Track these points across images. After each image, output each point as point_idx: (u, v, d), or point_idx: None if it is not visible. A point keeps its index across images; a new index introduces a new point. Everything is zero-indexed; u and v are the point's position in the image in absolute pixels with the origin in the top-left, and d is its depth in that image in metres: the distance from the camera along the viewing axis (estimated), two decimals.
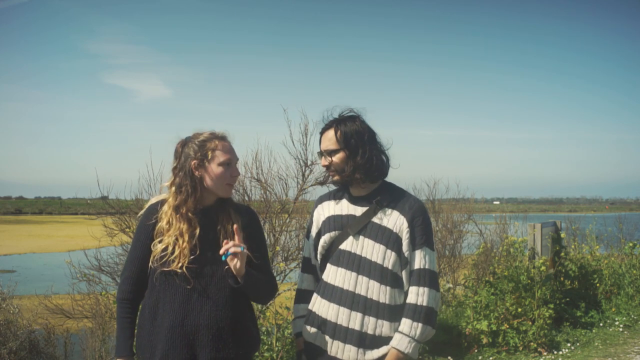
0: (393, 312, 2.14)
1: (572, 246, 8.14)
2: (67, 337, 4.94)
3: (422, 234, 2.16)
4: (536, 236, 6.64)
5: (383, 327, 2.13)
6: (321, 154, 2.25)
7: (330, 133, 2.21)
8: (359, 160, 2.17)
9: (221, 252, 1.98)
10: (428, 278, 2.14)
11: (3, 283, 5.37)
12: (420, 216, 2.18)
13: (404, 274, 2.16)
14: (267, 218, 5.25)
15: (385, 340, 2.13)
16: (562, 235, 7.46)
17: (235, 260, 1.99)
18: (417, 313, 2.11)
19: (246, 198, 5.39)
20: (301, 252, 4.31)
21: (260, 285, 2.14)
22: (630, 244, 7.86)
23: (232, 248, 1.97)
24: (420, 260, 2.15)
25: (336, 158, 2.20)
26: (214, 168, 2.10)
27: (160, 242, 2.07)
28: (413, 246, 2.15)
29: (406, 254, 2.15)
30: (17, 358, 4.38)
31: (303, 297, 2.34)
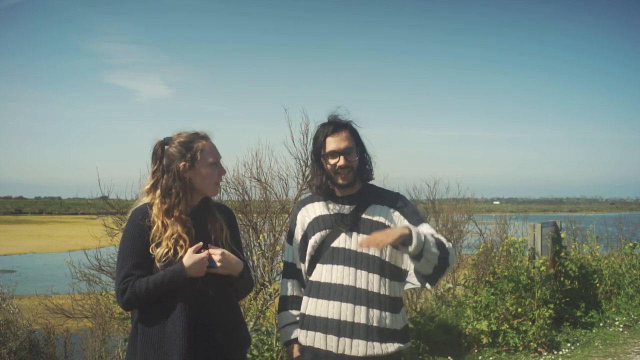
0: (394, 304, 2.18)
1: (573, 246, 8.13)
2: (67, 337, 4.94)
3: (415, 216, 2.23)
4: (536, 236, 6.63)
5: (387, 319, 2.15)
6: (336, 154, 2.20)
7: (346, 133, 2.22)
8: (368, 158, 2.29)
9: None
10: (442, 236, 2.14)
11: (3, 283, 5.37)
12: (407, 204, 2.28)
13: (404, 258, 2.18)
14: (267, 218, 5.25)
15: (391, 332, 2.15)
16: (562, 235, 7.45)
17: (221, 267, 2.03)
18: (434, 236, 2.06)
19: (246, 198, 5.39)
20: None
21: (248, 279, 2.18)
22: (630, 244, 7.85)
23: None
24: (425, 230, 2.13)
25: (354, 157, 2.22)
26: (204, 169, 2.07)
27: (158, 245, 2.00)
28: (415, 225, 2.14)
29: None
30: (17, 358, 4.38)
31: (290, 303, 2.31)
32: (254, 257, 4.93)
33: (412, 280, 2.21)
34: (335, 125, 2.23)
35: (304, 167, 5.29)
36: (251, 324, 4.41)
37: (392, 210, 2.23)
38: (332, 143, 2.21)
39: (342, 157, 2.19)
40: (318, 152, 2.24)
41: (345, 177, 2.21)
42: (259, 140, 5.64)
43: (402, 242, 1.96)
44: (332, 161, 2.21)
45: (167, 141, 2.11)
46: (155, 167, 2.10)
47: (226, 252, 2.04)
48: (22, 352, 4.46)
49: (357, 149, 2.23)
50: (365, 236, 2.16)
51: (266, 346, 3.96)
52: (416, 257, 1.99)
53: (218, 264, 2.01)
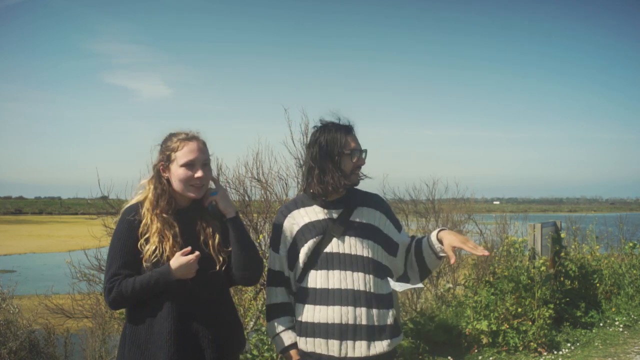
0: (388, 300, 2.26)
1: (573, 246, 8.13)
2: (67, 337, 4.95)
3: (396, 219, 2.37)
4: (536, 236, 6.63)
5: (385, 316, 2.21)
6: (359, 151, 2.25)
7: (354, 134, 2.30)
8: None
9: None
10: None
11: (3, 283, 5.38)
12: (386, 204, 2.39)
13: (389, 258, 2.29)
14: (267, 218, 5.25)
15: (391, 328, 2.21)
16: (562, 235, 7.45)
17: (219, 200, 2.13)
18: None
19: (246, 198, 5.39)
20: None
21: (250, 243, 2.17)
22: (631, 244, 7.85)
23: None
24: (406, 233, 2.37)
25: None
26: (175, 170, 2.07)
27: (147, 241, 2.02)
28: (398, 230, 2.34)
29: (395, 237, 2.30)
30: (17, 358, 4.38)
31: (282, 310, 2.28)
32: None
33: (408, 282, 2.33)
34: (347, 126, 2.29)
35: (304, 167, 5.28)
36: (251, 324, 4.41)
37: (378, 212, 2.31)
38: (353, 142, 2.26)
39: (362, 157, 2.26)
40: (337, 151, 2.22)
41: (358, 177, 2.27)
42: (259, 140, 5.60)
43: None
44: (354, 160, 2.24)
45: (164, 139, 2.16)
46: (153, 163, 2.17)
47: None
48: (22, 352, 4.46)
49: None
50: (357, 238, 2.22)
51: (266, 346, 3.96)
52: (441, 258, 2.22)
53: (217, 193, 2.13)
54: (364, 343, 2.14)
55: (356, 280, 2.17)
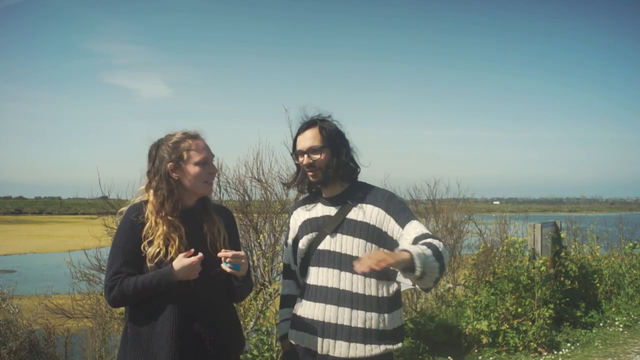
0: (380, 304, 2.16)
1: (573, 246, 8.13)
2: (67, 337, 4.93)
3: (403, 213, 2.17)
4: (536, 236, 6.63)
5: (372, 319, 2.14)
6: (301, 153, 2.24)
7: (314, 131, 2.24)
8: (343, 158, 2.24)
9: (225, 264, 2.04)
10: (431, 236, 2.06)
11: (3, 283, 5.37)
12: (394, 200, 2.22)
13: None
14: (268, 218, 5.26)
15: (378, 334, 2.13)
16: (562, 235, 7.45)
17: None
18: (429, 244, 1.97)
19: (246, 198, 5.39)
20: None
21: (249, 281, 2.21)
22: (631, 244, 7.85)
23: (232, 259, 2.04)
24: (413, 229, 2.11)
25: (322, 156, 2.21)
26: (191, 168, 2.08)
27: (150, 243, 2.01)
28: (401, 225, 2.14)
29: (397, 235, 2.14)
30: (17, 358, 4.38)
31: (286, 302, 2.38)
32: (254, 257, 4.94)
33: (406, 282, 2.19)
34: (304, 124, 2.29)
35: None
36: (251, 324, 4.41)
37: (377, 209, 2.19)
38: (300, 142, 2.26)
39: (306, 156, 2.22)
40: (293, 151, 2.32)
41: (314, 175, 2.23)
42: (260, 140, 5.61)
43: (403, 267, 1.87)
44: (300, 159, 2.26)
45: (160, 142, 2.13)
46: (149, 168, 2.13)
47: (244, 254, 2.07)
48: (22, 352, 4.46)
49: (325, 147, 2.22)
50: (348, 237, 2.18)
51: (266, 346, 3.96)
52: (419, 278, 1.90)
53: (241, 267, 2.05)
54: (344, 344, 2.12)
55: (343, 280, 2.15)
